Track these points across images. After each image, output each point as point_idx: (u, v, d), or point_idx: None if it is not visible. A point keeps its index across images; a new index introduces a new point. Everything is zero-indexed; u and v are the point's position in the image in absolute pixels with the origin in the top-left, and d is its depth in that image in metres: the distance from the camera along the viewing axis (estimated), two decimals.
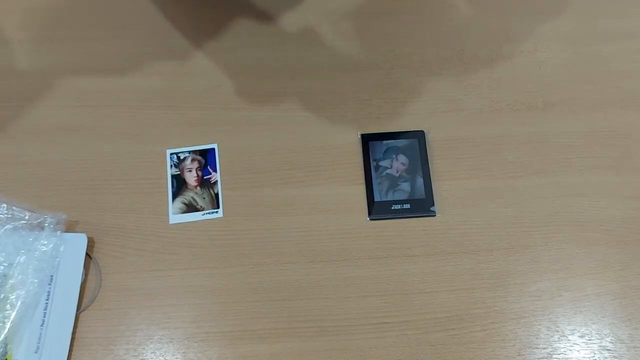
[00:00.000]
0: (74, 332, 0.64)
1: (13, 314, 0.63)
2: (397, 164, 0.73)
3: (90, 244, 0.69)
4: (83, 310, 0.66)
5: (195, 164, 0.73)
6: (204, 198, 0.72)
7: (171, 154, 0.74)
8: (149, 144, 0.74)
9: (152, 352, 0.64)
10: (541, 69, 0.80)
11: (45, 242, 0.66)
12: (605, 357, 0.64)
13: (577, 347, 0.65)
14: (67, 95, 0.77)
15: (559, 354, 0.64)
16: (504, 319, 0.66)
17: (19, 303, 0.63)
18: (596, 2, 0.84)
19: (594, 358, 0.64)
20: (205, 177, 0.73)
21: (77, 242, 0.68)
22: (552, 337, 0.65)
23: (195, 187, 0.72)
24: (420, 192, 0.72)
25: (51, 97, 0.77)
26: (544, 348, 0.65)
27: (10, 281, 0.64)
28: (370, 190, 0.72)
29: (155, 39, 0.81)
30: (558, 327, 0.66)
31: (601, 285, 0.67)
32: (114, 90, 0.77)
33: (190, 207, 0.71)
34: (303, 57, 0.80)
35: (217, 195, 0.72)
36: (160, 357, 0.64)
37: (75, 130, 0.75)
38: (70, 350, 0.64)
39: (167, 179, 0.73)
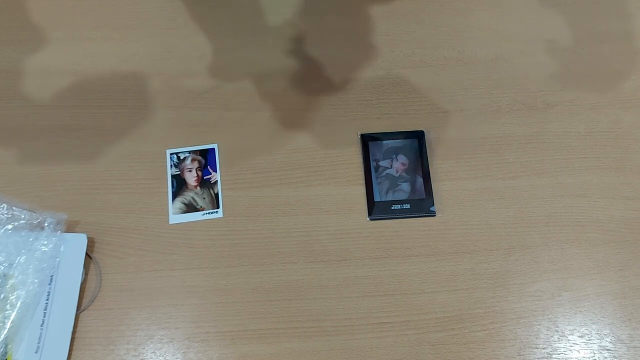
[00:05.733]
0: (74, 332, 0.64)
1: (13, 314, 0.63)
2: (397, 164, 0.73)
3: (91, 244, 0.69)
4: (83, 310, 0.66)
5: (195, 164, 0.73)
6: (204, 198, 0.72)
7: (171, 154, 0.74)
8: (149, 144, 0.74)
9: (152, 352, 0.64)
10: (541, 69, 0.80)
11: (46, 242, 0.66)
12: (605, 357, 0.64)
13: (576, 347, 0.65)
14: (67, 95, 0.77)
15: (559, 354, 0.64)
16: (503, 319, 0.66)
17: (19, 303, 0.64)
18: (596, 2, 0.84)
19: (593, 358, 0.64)
20: (205, 177, 0.73)
21: (77, 242, 0.68)
22: (551, 337, 0.65)
23: (195, 187, 0.72)
24: (420, 192, 0.72)
25: (51, 97, 0.77)
26: (544, 348, 0.65)
27: (10, 281, 0.65)
28: (370, 191, 0.72)
29: (155, 39, 0.81)
30: (558, 327, 0.66)
31: (601, 286, 0.67)
32: (114, 90, 0.77)
33: (190, 207, 0.71)
34: (303, 57, 0.80)
35: (217, 195, 0.72)
36: (161, 357, 0.64)
37: (75, 130, 0.75)
38: (70, 350, 0.64)
39: (167, 179, 0.73)
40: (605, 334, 0.65)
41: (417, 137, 0.75)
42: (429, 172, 0.73)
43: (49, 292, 0.65)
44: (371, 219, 0.71)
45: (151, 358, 0.64)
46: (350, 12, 0.84)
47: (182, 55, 0.80)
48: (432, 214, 0.71)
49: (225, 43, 0.81)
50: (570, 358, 0.64)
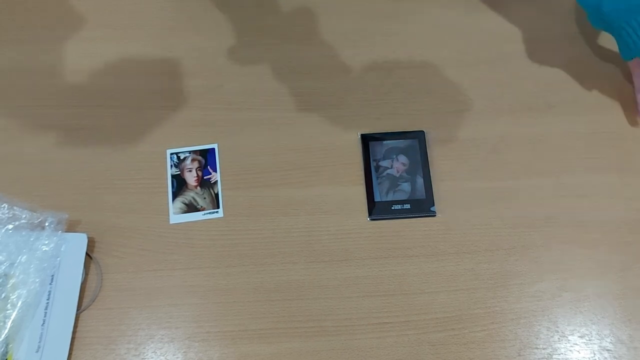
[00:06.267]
0: (74, 332, 0.64)
1: (14, 314, 0.63)
2: (397, 164, 0.73)
3: (91, 243, 0.69)
4: (84, 310, 0.66)
5: (195, 164, 0.73)
6: (205, 198, 0.72)
7: (171, 154, 0.74)
8: (149, 144, 0.74)
9: (153, 352, 0.64)
10: (541, 69, 0.80)
11: (46, 241, 0.66)
12: (605, 358, 0.64)
13: (577, 348, 0.65)
14: (67, 95, 0.77)
15: (559, 355, 0.64)
16: (504, 319, 0.66)
17: (20, 302, 0.64)
18: None
19: (593, 358, 0.64)
20: (205, 177, 0.73)
21: (78, 242, 0.68)
22: (552, 337, 0.65)
23: (196, 187, 0.72)
24: (421, 192, 0.72)
25: (51, 97, 0.77)
26: (544, 348, 0.65)
27: (11, 281, 0.65)
28: (370, 191, 0.72)
29: (155, 39, 0.81)
30: (558, 327, 0.66)
31: (601, 286, 0.67)
32: (114, 90, 0.77)
33: (191, 207, 0.71)
34: (303, 57, 0.80)
35: (217, 195, 0.72)
36: (162, 357, 0.64)
37: (75, 130, 0.75)
38: (71, 350, 0.64)
39: (167, 179, 0.73)
40: (605, 335, 0.65)
41: (417, 137, 0.75)
42: (429, 172, 0.73)
43: (49, 291, 0.65)
44: (371, 219, 0.71)
45: (152, 358, 0.64)
46: (350, 12, 0.84)
47: (182, 55, 0.80)
48: (432, 214, 0.71)
49: (225, 43, 0.81)
50: (571, 358, 0.64)
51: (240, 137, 0.75)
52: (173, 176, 0.73)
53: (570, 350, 0.65)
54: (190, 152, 0.74)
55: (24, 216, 0.67)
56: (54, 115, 0.76)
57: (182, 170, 0.73)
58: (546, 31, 0.82)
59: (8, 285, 0.64)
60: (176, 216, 0.71)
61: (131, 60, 0.79)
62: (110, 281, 0.67)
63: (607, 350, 0.65)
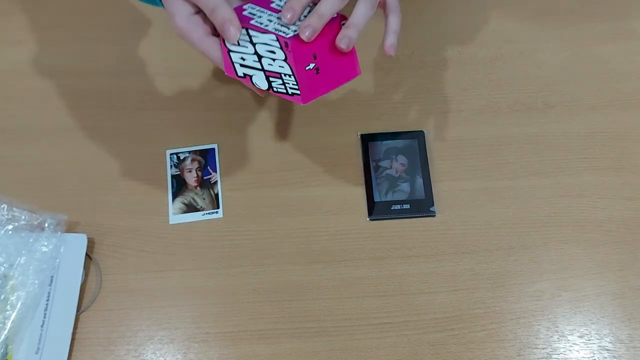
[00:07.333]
0: (74, 333, 0.64)
1: (13, 315, 0.63)
2: (397, 165, 0.73)
3: (91, 244, 0.69)
4: (83, 311, 0.66)
5: (195, 164, 0.73)
6: (204, 198, 0.72)
7: (171, 154, 0.74)
8: (149, 144, 0.74)
9: (152, 353, 0.64)
10: (541, 69, 0.80)
11: (46, 242, 0.66)
12: (605, 357, 0.64)
13: (576, 347, 0.65)
14: (67, 95, 0.77)
15: (559, 354, 0.64)
16: (503, 319, 0.66)
17: (19, 304, 0.64)
18: (596, 3, 0.84)
19: (593, 358, 0.64)
20: (205, 178, 0.73)
21: (77, 243, 0.68)
22: (551, 337, 0.65)
23: (195, 187, 0.72)
24: (420, 193, 0.72)
25: (51, 97, 0.77)
26: (544, 348, 0.65)
27: (10, 282, 0.65)
28: (370, 191, 0.72)
29: (155, 39, 0.81)
30: (557, 327, 0.66)
31: (600, 286, 0.68)
32: (114, 90, 0.77)
33: (190, 208, 0.71)
34: None
35: (217, 195, 0.72)
36: (161, 358, 0.64)
37: (75, 130, 0.75)
38: (71, 351, 0.64)
39: (167, 179, 0.73)
40: (604, 334, 0.65)
41: (417, 137, 0.75)
42: (429, 172, 0.73)
43: (49, 292, 0.65)
44: (371, 220, 0.71)
45: (151, 359, 0.64)
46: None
47: (182, 56, 0.80)
48: (432, 214, 0.71)
49: None
50: (570, 358, 0.64)
51: (240, 137, 0.75)
52: (173, 176, 0.73)
53: (570, 350, 0.65)
54: (190, 152, 0.74)
55: (23, 217, 0.67)
56: (54, 115, 0.76)
57: (181, 171, 0.73)
58: (546, 30, 0.82)
59: (7, 287, 0.64)
60: (176, 217, 0.71)
61: (131, 60, 0.79)
62: (109, 282, 0.67)
63: (607, 349, 0.65)
